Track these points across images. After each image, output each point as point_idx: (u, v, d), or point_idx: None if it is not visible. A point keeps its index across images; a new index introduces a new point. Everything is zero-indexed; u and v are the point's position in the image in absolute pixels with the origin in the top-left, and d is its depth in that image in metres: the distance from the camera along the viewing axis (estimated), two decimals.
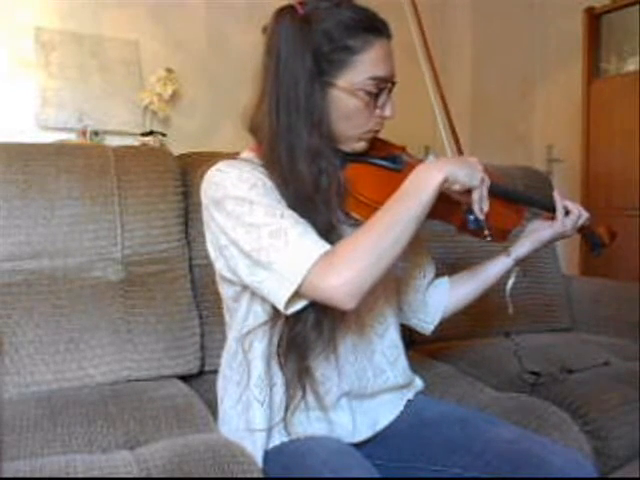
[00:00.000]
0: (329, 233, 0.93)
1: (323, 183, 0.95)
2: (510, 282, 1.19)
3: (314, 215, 0.93)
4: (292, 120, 0.94)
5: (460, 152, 1.13)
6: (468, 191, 0.96)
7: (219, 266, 0.99)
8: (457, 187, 0.94)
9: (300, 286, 0.88)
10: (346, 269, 0.87)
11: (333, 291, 0.88)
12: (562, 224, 1.13)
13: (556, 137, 3.61)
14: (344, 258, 0.88)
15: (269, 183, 0.95)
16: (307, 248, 0.88)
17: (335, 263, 0.88)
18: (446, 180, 0.92)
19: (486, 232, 1.01)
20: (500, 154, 3.25)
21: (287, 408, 0.99)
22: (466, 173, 0.94)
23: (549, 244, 1.19)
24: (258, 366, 0.99)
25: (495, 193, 1.15)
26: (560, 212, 1.13)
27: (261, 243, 0.89)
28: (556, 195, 1.15)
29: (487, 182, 0.98)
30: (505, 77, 3.60)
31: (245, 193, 0.92)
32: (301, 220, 0.92)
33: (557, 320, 1.92)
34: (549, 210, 1.16)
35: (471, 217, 1.00)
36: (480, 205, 0.97)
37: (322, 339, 0.96)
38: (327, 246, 0.90)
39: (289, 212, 0.92)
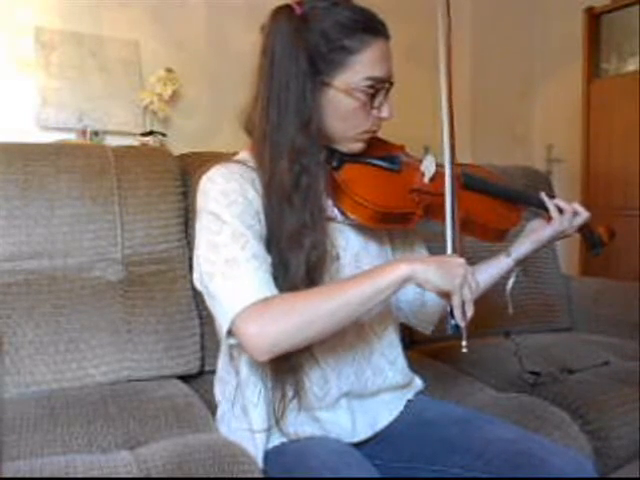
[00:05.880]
0: (300, 233, 0.93)
1: (303, 182, 0.94)
2: (510, 282, 1.19)
3: (289, 214, 0.93)
4: (282, 119, 0.94)
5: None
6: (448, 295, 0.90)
7: (194, 276, 0.98)
8: (429, 287, 0.89)
9: (232, 323, 0.88)
10: (270, 323, 0.87)
11: (248, 339, 0.88)
12: (560, 223, 1.14)
13: (556, 137, 3.61)
14: (274, 312, 0.87)
15: (252, 193, 0.95)
16: (248, 289, 0.88)
17: (264, 314, 0.87)
18: (411, 277, 0.88)
19: (464, 343, 0.91)
20: (500, 154, 3.25)
21: (282, 409, 0.98)
22: (440, 275, 0.88)
23: (549, 243, 1.19)
24: (246, 370, 1.00)
25: (493, 193, 1.15)
26: (554, 211, 1.14)
27: (215, 268, 0.90)
28: (543, 196, 1.16)
29: (472, 285, 0.90)
30: (505, 77, 3.60)
31: (221, 210, 0.92)
32: (260, 255, 0.91)
33: (557, 320, 1.92)
34: (545, 209, 1.16)
35: (451, 322, 0.90)
36: (460, 311, 0.90)
37: None
38: (271, 291, 0.89)
39: (253, 243, 0.91)
